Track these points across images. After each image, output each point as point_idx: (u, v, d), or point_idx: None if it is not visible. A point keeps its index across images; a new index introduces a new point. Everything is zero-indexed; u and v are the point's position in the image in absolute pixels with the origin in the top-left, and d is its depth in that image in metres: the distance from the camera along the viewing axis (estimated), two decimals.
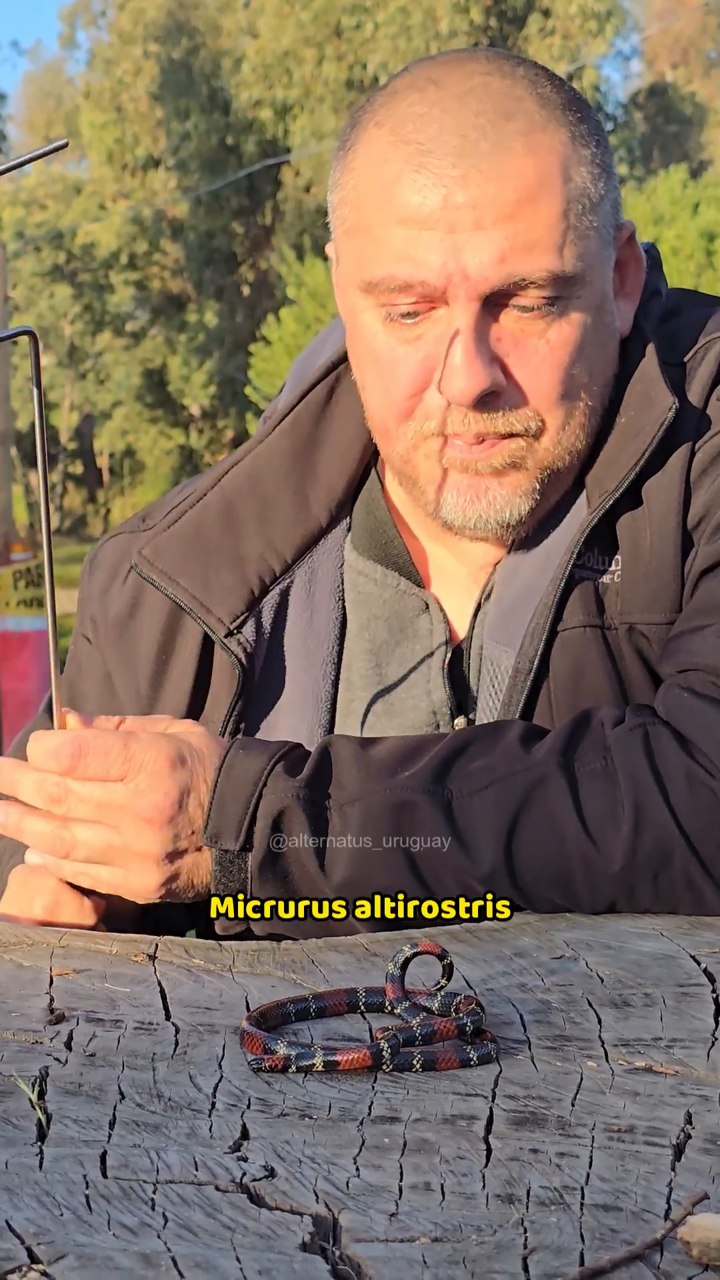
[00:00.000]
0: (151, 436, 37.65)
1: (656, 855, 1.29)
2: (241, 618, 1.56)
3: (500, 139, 1.42)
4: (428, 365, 1.45)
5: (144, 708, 1.60)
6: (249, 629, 1.55)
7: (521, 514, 1.49)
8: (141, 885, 1.37)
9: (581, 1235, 0.76)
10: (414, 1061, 0.98)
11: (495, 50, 1.51)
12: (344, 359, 1.61)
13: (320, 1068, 0.97)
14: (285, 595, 1.58)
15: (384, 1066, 0.98)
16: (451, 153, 1.41)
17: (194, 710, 1.58)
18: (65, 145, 1.28)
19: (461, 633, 1.56)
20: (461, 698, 1.54)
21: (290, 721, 1.56)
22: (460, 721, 1.53)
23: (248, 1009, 1.09)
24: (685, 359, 1.52)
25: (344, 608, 1.60)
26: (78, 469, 41.74)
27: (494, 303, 1.43)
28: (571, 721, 1.36)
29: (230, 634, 1.55)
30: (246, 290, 37.28)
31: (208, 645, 1.58)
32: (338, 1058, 0.97)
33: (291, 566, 1.59)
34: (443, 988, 1.08)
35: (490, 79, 1.45)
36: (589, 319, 1.46)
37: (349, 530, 1.62)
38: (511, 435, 1.46)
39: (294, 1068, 0.97)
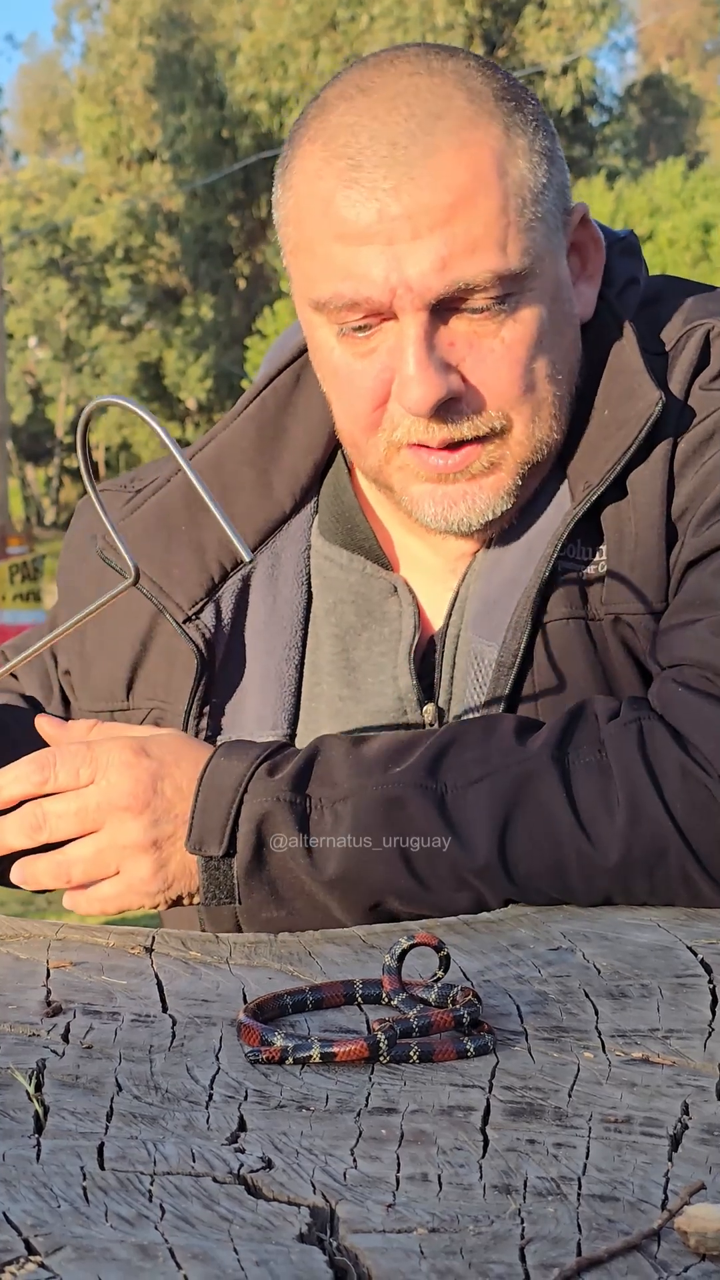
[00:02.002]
0: (147, 430, 37.57)
1: (652, 850, 1.29)
2: (200, 604, 1.57)
3: (430, 142, 1.39)
4: (384, 377, 1.44)
5: (78, 652, 1.65)
6: (208, 614, 1.57)
7: (502, 511, 1.49)
8: (138, 880, 1.37)
9: (579, 1226, 0.76)
10: (411, 1053, 0.98)
11: (425, 45, 1.48)
12: None
13: (317, 1059, 0.97)
14: (247, 581, 1.59)
15: (381, 1058, 0.98)
16: (382, 163, 1.40)
17: (132, 676, 1.62)
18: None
19: (436, 621, 1.55)
20: (429, 686, 1.54)
21: (254, 705, 1.57)
22: (429, 709, 1.53)
23: (245, 1001, 1.09)
24: (667, 347, 1.51)
25: (309, 592, 1.60)
26: (74, 463, 41.71)
27: (443, 308, 1.42)
28: (566, 714, 1.36)
29: (189, 619, 1.56)
30: (242, 284, 37.25)
31: (158, 622, 1.59)
32: (334, 1049, 0.97)
33: (253, 552, 1.59)
34: (440, 979, 1.08)
35: (418, 79, 1.42)
36: (543, 310, 1.45)
37: (315, 515, 1.62)
38: (479, 439, 1.45)
39: (291, 1059, 0.97)
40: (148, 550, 1.58)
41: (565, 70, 32.99)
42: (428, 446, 1.45)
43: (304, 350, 1.62)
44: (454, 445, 1.45)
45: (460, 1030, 1.01)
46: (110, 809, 1.37)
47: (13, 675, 1.74)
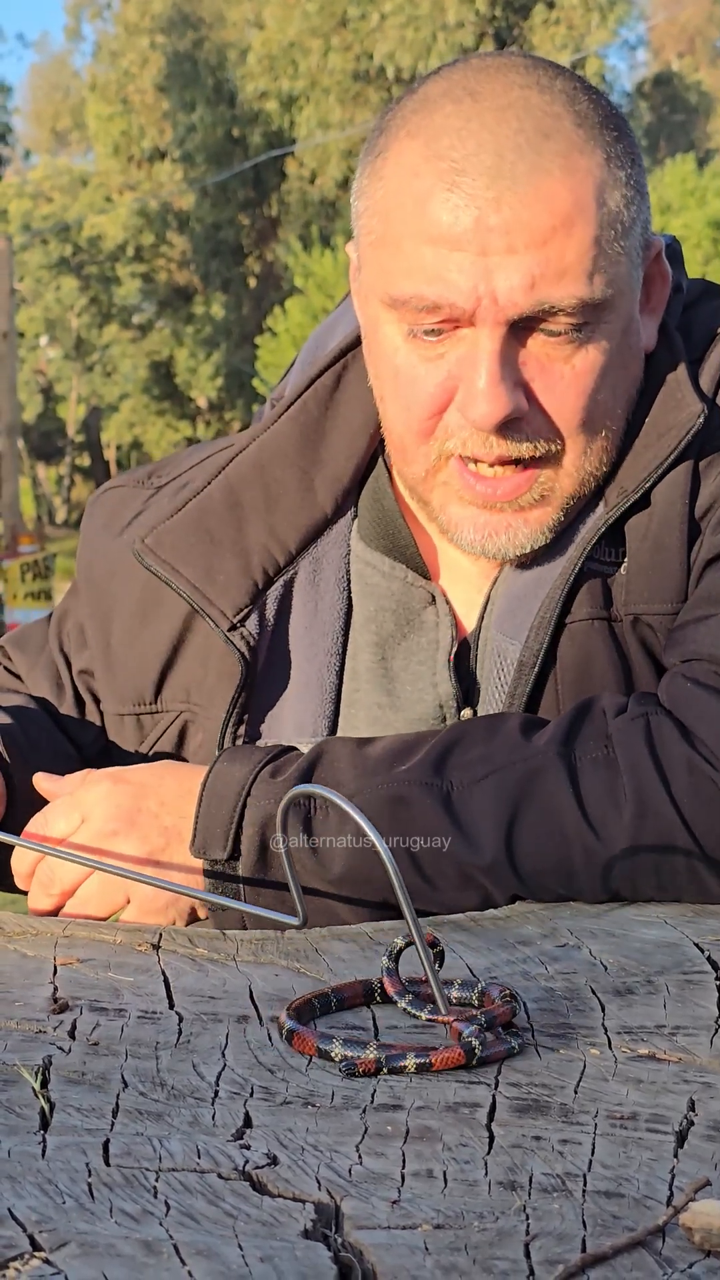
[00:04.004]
0: (159, 429, 37.66)
1: (659, 845, 1.29)
2: (245, 611, 1.55)
3: (537, 160, 1.38)
4: (449, 385, 1.43)
5: (103, 650, 1.63)
6: (252, 622, 1.54)
7: (542, 543, 1.48)
8: (144, 898, 1.39)
9: (584, 1222, 0.76)
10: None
11: (533, 58, 1.47)
12: (353, 345, 1.59)
13: (412, 1069, 0.95)
14: (289, 586, 1.57)
15: (473, 1062, 0.96)
16: (486, 172, 1.38)
17: (161, 678, 1.60)
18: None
19: (469, 625, 1.55)
20: (468, 690, 1.53)
21: (295, 712, 1.55)
22: (466, 714, 1.52)
23: (251, 998, 1.09)
24: (698, 354, 1.51)
25: (349, 598, 1.58)
26: (85, 461, 41.78)
27: (520, 327, 1.41)
28: (573, 710, 1.36)
29: (234, 627, 1.54)
30: (253, 282, 37.26)
31: (193, 623, 1.58)
32: (430, 1059, 0.95)
33: (296, 557, 1.58)
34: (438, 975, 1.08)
35: (529, 93, 1.41)
36: (614, 343, 1.44)
37: (355, 519, 1.61)
38: (534, 461, 1.44)
39: (385, 1070, 0.96)
40: (189, 556, 1.56)
41: (574, 68, 32.97)
42: (478, 462, 1.44)
43: (344, 353, 1.61)
44: (507, 464, 1.44)
45: (504, 1028, 1.01)
46: (100, 838, 1.38)
47: (16, 676, 1.72)
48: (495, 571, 1.54)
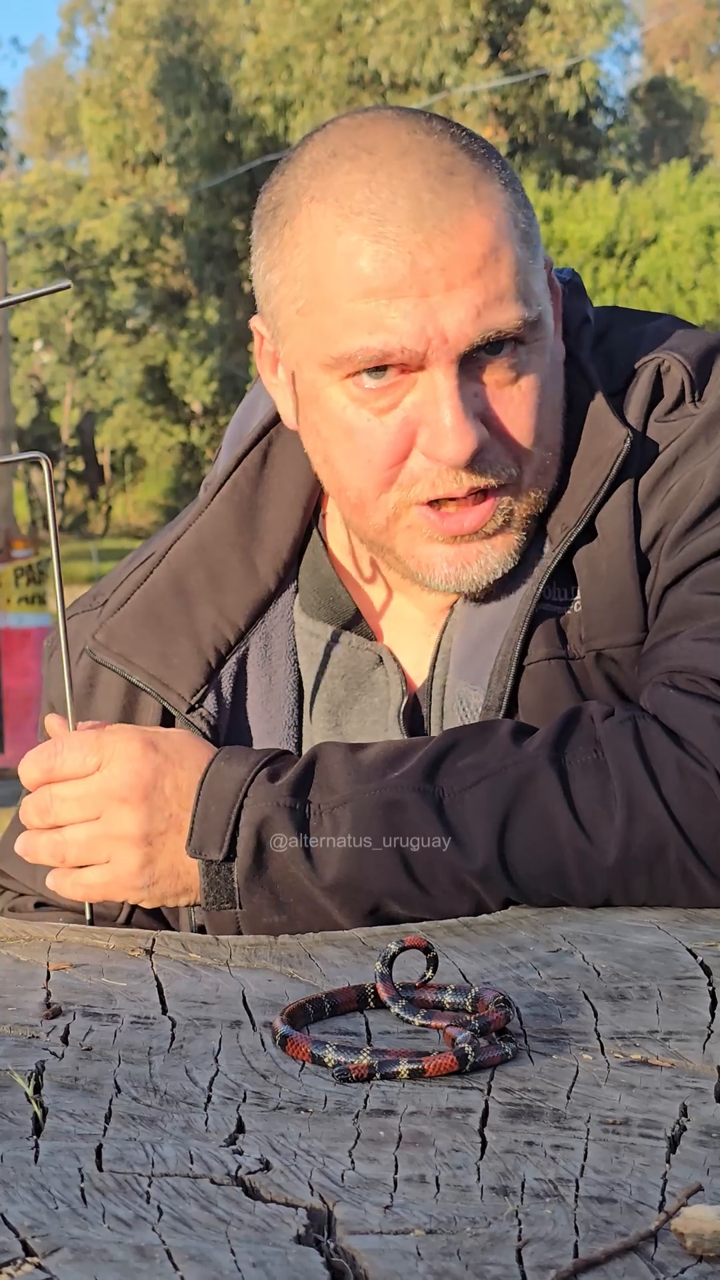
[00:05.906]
0: (153, 433, 37.67)
1: (651, 848, 1.29)
2: (201, 691, 1.55)
3: (453, 196, 1.40)
4: (408, 431, 1.43)
5: None
6: (210, 701, 1.55)
7: (511, 566, 1.49)
8: (125, 871, 1.38)
9: (576, 1227, 0.76)
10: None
11: (398, 108, 1.49)
12: (275, 421, 1.60)
13: (405, 1075, 0.96)
14: (242, 663, 1.57)
15: (465, 1069, 0.97)
16: (409, 218, 1.40)
17: None
18: (68, 287, 1.31)
19: (420, 677, 1.55)
20: None
21: None
22: None
23: (244, 1003, 1.10)
24: (622, 385, 1.52)
25: (299, 670, 1.59)
26: (79, 466, 41.78)
27: (468, 359, 1.42)
28: (562, 717, 1.36)
29: (192, 709, 1.54)
30: (247, 286, 37.23)
31: (168, 718, 1.56)
32: (424, 1064, 0.96)
33: (245, 634, 1.58)
34: (427, 979, 1.09)
35: (418, 137, 1.43)
36: (547, 357, 1.47)
37: (296, 593, 1.61)
38: (495, 489, 1.45)
39: (378, 1075, 0.96)
40: (142, 645, 1.56)
41: (569, 73, 32.99)
42: (448, 501, 1.44)
43: (266, 430, 1.61)
44: (476, 497, 1.45)
45: (497, 1033, 1.01)
46: (109, 798, 1.38)
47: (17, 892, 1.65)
48: (442, 619, 1.54)
